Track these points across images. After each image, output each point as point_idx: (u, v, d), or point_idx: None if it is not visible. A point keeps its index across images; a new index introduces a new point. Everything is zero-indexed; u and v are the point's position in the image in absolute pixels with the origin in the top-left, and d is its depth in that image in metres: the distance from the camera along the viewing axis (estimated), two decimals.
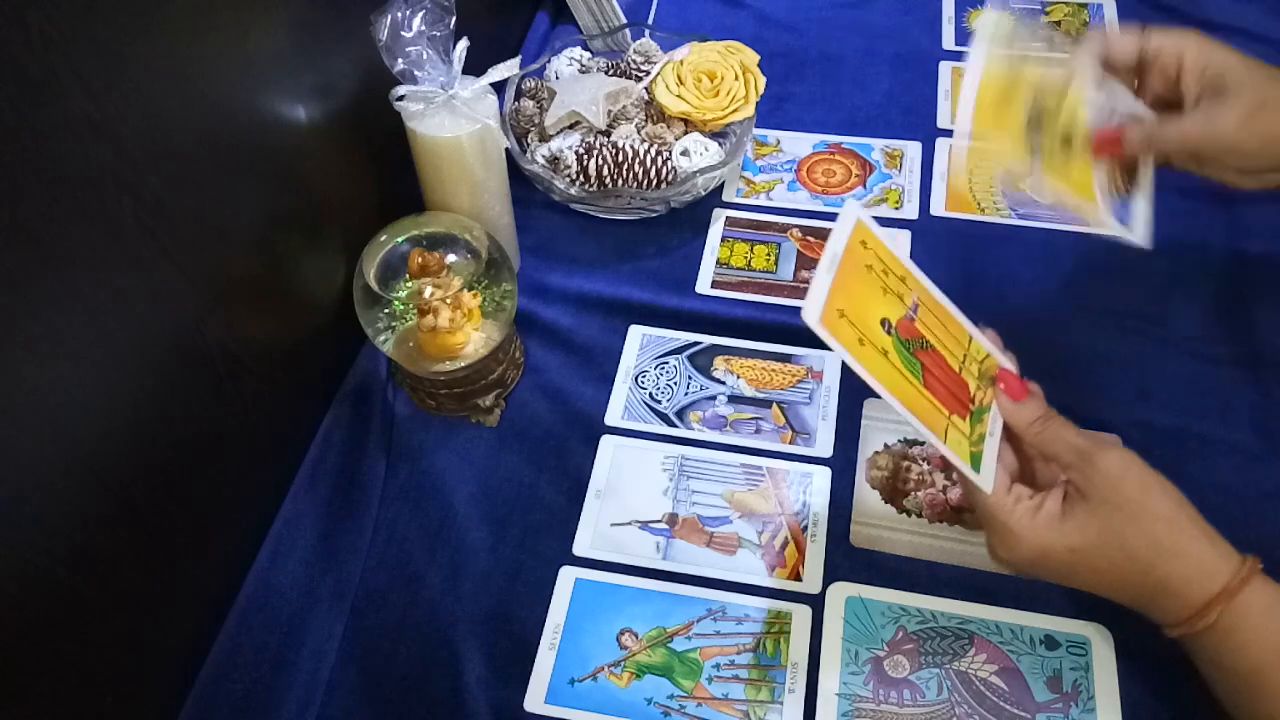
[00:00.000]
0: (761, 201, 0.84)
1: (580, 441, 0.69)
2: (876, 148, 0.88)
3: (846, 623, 0.60)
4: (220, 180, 0.54)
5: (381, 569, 0.63)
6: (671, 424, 0.70)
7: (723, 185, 0.84)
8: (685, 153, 0.79)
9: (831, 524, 0.64)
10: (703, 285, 0.78)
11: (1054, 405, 0.54)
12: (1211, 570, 0.49)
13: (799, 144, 0.88)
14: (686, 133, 0.82)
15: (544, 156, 0.79)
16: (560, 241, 0.81)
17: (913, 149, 0.87)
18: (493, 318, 0.67)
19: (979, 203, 0.82)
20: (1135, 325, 0.72)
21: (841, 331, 0.46)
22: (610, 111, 0.81)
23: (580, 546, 0.64)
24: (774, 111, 0.91)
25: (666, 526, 0.64)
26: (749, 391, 0.71)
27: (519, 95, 0.84)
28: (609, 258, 0.80)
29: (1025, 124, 0.57)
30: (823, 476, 0.66)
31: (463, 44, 0.64)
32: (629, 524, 0.65)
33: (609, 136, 0.80)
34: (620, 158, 0.76)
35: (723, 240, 0.81)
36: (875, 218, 0.51)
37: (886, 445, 0.68)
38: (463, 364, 0.66)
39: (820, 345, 0.46)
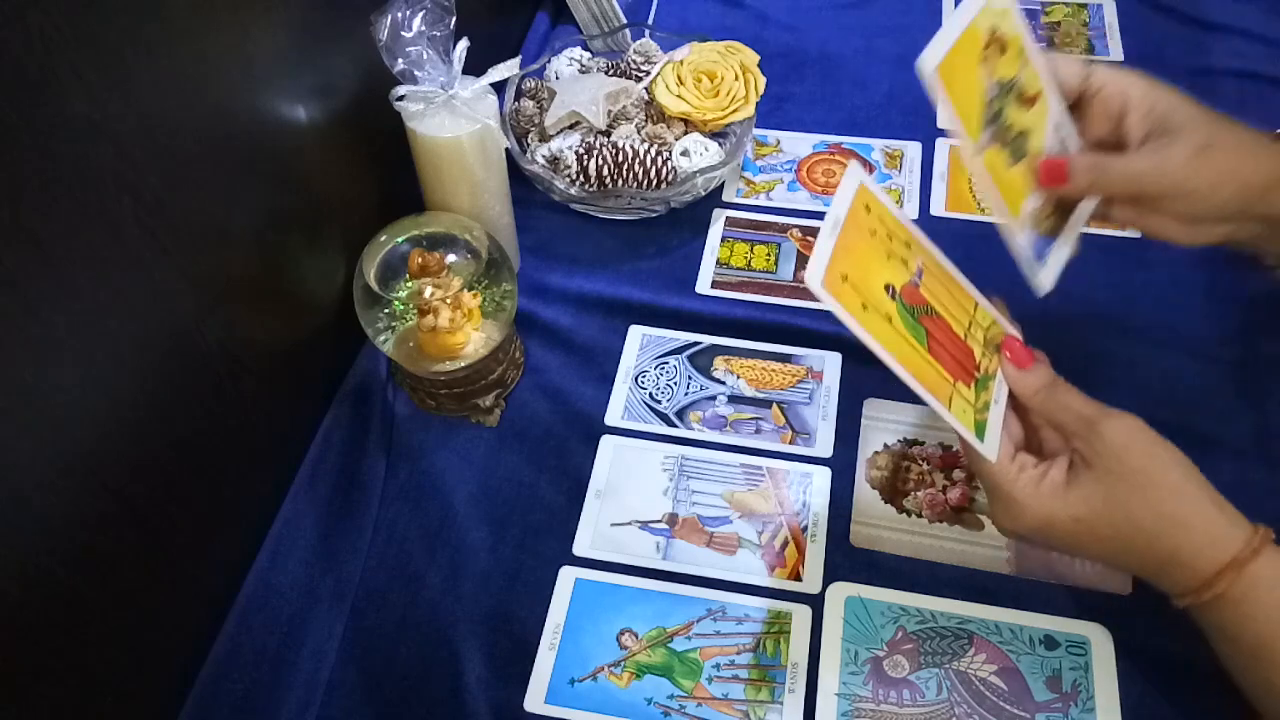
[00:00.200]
0: (761, 201, 0.84)
1: (580, 441, 0.69)
2: (876, 148, 0.88)
3: (846, 623, 0.60)
4: (220, 180, 0.54)
5: (381, 569, 0.63)
6: (671, 424, 0.70)
7: (723, 185, 0.84)
8: (685, 153, 0.79)
9: (831, 524, 0.64)
10: (703, 285, 0.78)
11: None
12: (1221, 540, 0.48)
13: (799, 144, 0.88)
14: (686, 133, 0.82)
15: (544, 156, 0.79)
16: (560, 241, 0.81)
17: (913, 149, 0.87)
18: (493, 318, 0.67)
19: (979, 202, 0.82)
20: (1135, 325, 0.72)
21: (845, 296, 0.45)
22: (610, 111, 0.81)
23: (580, 546, 0.64)
24: (774, 111, 0.91)
25: (666, 526, 0.64)
26: (749, 391, 0.71)
27: (519, 95, 0.84)
28: (609, 258, 0.80)
29: (989, 98, 0.52)
30: (823, 476, 0.66)
31: (463, 44, 0.64)
32: (629, 524, 0.65)
33: (609, 136, 0.80)
34: (620, 158, 0.76)
35: (723, 240, 0.81)
36: None
37: (886, 445, 0.68)
38: (463, 364, 0.66)
39: (830, 319, 0.45)
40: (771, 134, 0.89)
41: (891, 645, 0.59)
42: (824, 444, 0.68)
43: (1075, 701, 0.56)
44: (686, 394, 0.71)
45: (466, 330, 0.65)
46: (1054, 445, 0.53)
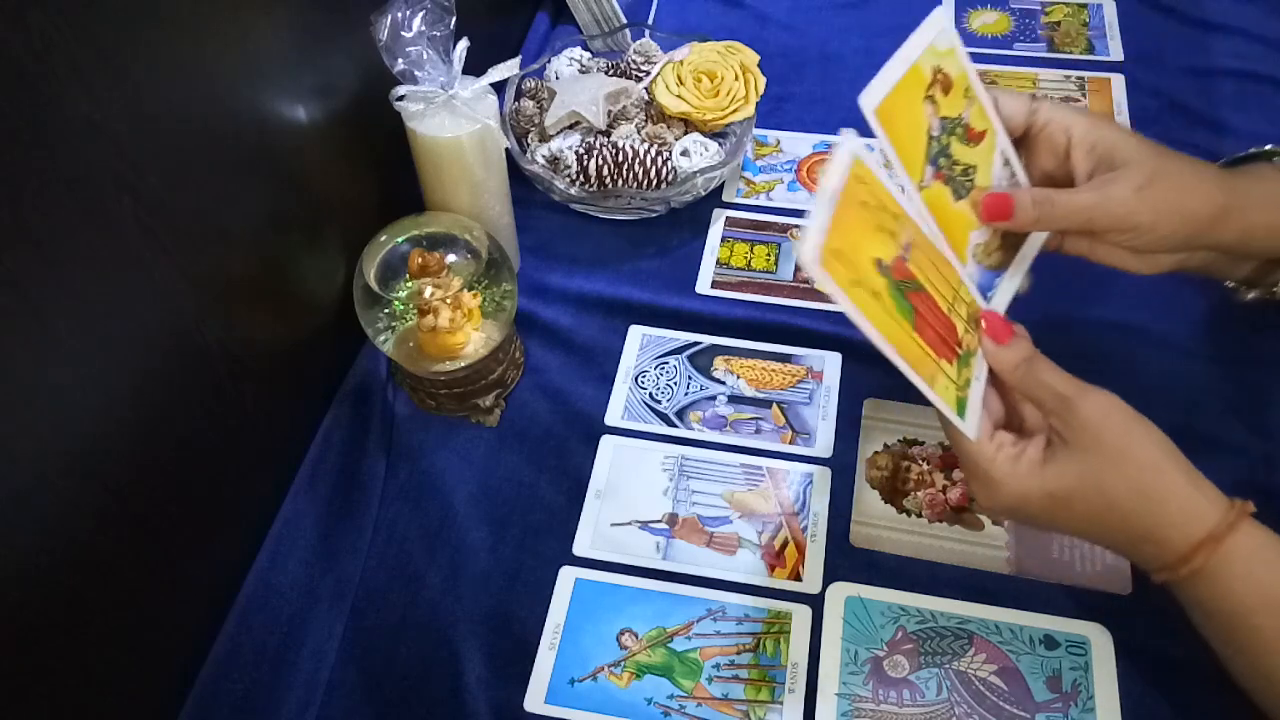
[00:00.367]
0: (761, 201, 0.84)
1: (580, 441, 0.69)
2: (876, 148, 0.87)
3: (846, 623, 0.60)
4: (220, 180, 0.54)
5: (381, 569, 0.63)
6: (671, 424, 0.70)
7: (723, 185, 0.84)
8: (685, 153, 0.79)
9: (831, 524, 0.64)
10: (703, 285, 0.78)
11: None
12: (1197, 516, 0.48)
13: (799, 144, 0.88)
14: (686, 133, 0.82)
15: (544, 156, 0.79)
16: (560, 241, 0.81)
17: None
18: (493, 318, 0.67)
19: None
20: (1135, 325, 0.72)
21: (837, 272, 0.45)
22: (610, 111, 0.81)
23: (580, 546, 0.64)
24: (774, 111, 0.91)
25: (666, 526, 0.64)
26: (749, 391, 0.71)
27: (519, 95, 0.84)
28: (609, 258, 0.80)
29: (933, 134, 0.52)
30: (823, 476, 0.66)
31: (463, 44, 0.64)
32: (629, 524, 0.65)
33: (609, 136, 0.80)
34: (620, 158, 0.76)
35: (723, 240, 0.81)
36: None
37: (886, 445, 0.68)
38: (463, 364, 0.66)
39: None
40: (771, 134, 0.89)
41: (891, 645, 0.59)
42: (824, 444, 0.68)
43: (1075, 701, 0.56)
44: (686, 394, 0.71)
45: (466, 330, 0.65)
46: (1035, 422, 0.53)
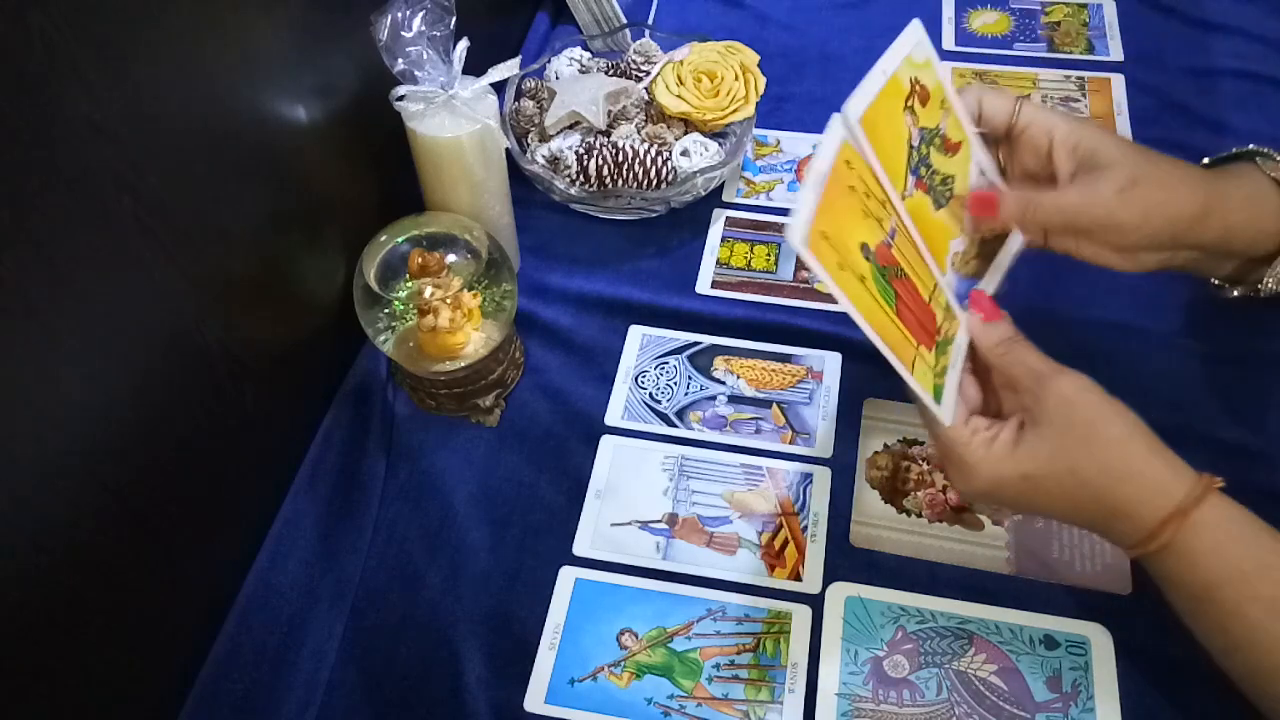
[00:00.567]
0: (761, 201, 0.84)
1: (580, 441, 0.69)
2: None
3: (846, 623, 0.60)
4: (220, 180, 0.54)
5: (381, 569, 0.63)
6: (671, 424, 0.70)
7: (723, 185, 0.84)
8: (685, 153, 0.79)
9: (831, 524, 0.64)
10: (703, 285, 0.78)
11: None
12: (1165, 491, 0.49)
13: (799, 144, 0.88)
14: (686, 133, 0.82)
15: (544, 156, 0.79)
16: (560, 241, 0.81)
17: None
18: (493, 318, 0.67)
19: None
20: (1135, 325, 0.72)
21: (824, 254, 0.45)
22: (610, 111, 0.81)
23: (580, 546, 0.64)
24: (774, 111, 0.91)
25: (666, 526, 0.65)
26: (749, 391, 0.71)
27: (519, 95, 0.84)
28: (609, 258, 0.80)
29: (913, 144, 0.53)
30: (823, 476, 0.66)
31: (463, 44, 0.64)
32: (629, 524, 0.65)
33: (609, 136, 0.80)
34: (620, 158, 0.76)
35: (723, 240, 0.81)
36: None
37: (886, 445, 0.68)
38: (463, 364, 0.66)
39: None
40: (771, 134, 0.89)
41: (891, 645, 0.59)
42: (824, 444, 0.68)
43: (1075, 701, 0.56)
44: (686, 394, 0.71)
45: (466, 330, 0.65)
46: (1011, 408, 0.54)
